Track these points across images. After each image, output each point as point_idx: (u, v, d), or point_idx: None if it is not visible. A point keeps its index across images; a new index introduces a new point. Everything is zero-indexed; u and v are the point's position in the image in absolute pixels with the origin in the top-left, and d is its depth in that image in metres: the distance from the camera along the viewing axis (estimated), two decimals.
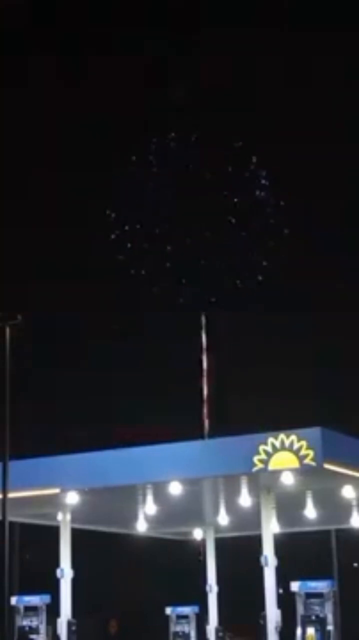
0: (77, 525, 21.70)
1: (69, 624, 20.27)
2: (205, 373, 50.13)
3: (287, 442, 15.94)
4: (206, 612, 25.93)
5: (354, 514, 23.67)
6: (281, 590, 19.05)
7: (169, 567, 42.34)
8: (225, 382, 54.19)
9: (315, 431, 15.96)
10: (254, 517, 19.17)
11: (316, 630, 22.46)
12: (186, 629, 26.96)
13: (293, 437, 15.94)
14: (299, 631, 22.60)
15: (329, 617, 22.60)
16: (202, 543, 26.86)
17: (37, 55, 50.49)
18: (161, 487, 18.06)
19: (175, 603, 27.54)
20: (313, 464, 15.77)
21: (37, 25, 50.44)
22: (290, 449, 15.91)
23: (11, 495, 16.09)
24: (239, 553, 28.33)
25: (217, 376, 53.25)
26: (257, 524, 18.61)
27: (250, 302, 46.79)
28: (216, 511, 22.74)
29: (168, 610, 27.34)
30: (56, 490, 18.30)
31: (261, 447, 16.10)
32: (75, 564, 20.76)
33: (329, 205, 47.45)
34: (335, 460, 16.27)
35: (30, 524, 25.03)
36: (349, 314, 52.04)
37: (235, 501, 19.65)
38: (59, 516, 20.82)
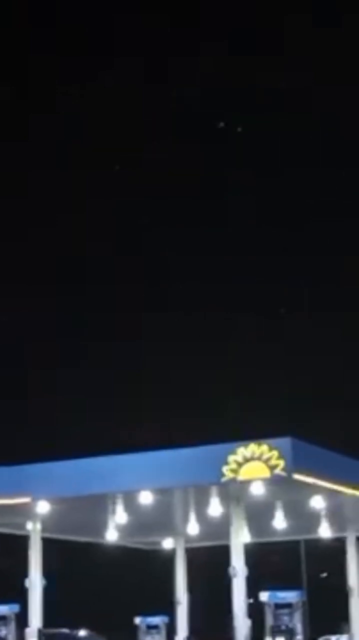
0: (47, 535, 21.65)
1: (39, 633, 20.20)
2: None
3: (257, 452, 16.01)
4: (176, 622, 25.93)
5: (323, 524, 23.76)
6: (250, 600, 19.08)
7: (138, 576, 42.31)
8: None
9: (285, 441, 16.04)
10: (224, 527, 19.21)
11: None
12: (155, 639, 26.94)
13: (264, 447, 16.01)
14: None
15: (298, 627, 22.69)
16: (172, 553, 26.85)
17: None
18: (131, 497, 18.08)
19: (144, 613, 27.52)
20: (284, 474, 15.84)
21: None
22: (260, 458, 15.98)
23: None
24: (210, 563, 28.37)
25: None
26: (228, 533, 18.66)
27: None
28: (185, 521, 22.75)
29: (137, 620, 27.31)
30: (27, 500, 18.26)
31: (231, 457, 16.16)
32: (44, 574, 20.71)
33: None
34: (305, 470, 16.36)
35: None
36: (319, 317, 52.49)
37: (205, 511, 19.68)
38: (29, 525, 20.76)
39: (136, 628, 27.36)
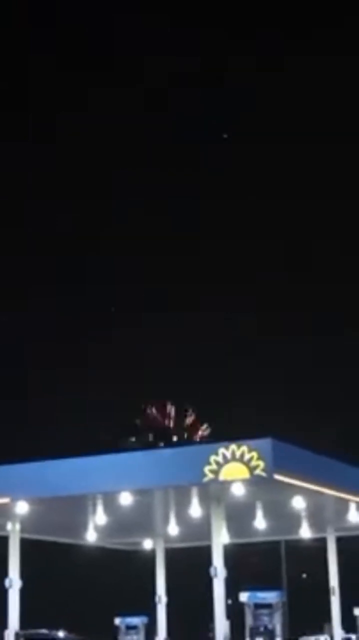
0: (26, 535, 21.53)
1: (17, 635, 20.07)
2: None
3: (238, 453, 15.95)
4: (155, 622, 25.86)
5: (304, 524, 23.75)
6: (229, 601, 19.03)
7: (118, 577, 42.19)
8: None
9: (266, 442, 15.99)
10: (204, 528, 19.15)
11: None
12: (135, 639, 26.86)
13: (244, 448, 15.96)
14: None
15: (278, 628, 22.64)
16: (152, 553, 26.80)
17: None
18: (111, 498, 17.99)
19: (124, 613, 27.45)
20: (264, 474, 15.79)
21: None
22: (241, 459, 15.92)
23: None
24: (189, 564, 28.35)
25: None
26: (208, 534, 18.59)
27: None
28: (166, 521, 22.69)
29: (117, 621, 27.23)
30: (6, 500, 18.15)
31: (212, 458, 16.10)
32: (24, 575, 20.58)
33: None
34: (285, 471, 16.31)
35: None
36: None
37: (185, 512, 19.63)
38: (9, 526, 20.63)
39: (115, 628, 27.27)
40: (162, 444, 62.84)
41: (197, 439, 67.08)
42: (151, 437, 66.44)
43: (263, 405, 48.66)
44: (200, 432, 69.72)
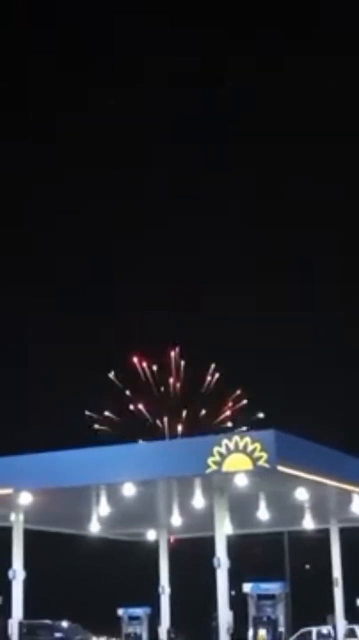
0: (29, 526, 21.56)
1: (21, 625, 20.11)
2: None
3: (241, 444, 15.96)
4: (158, 613, 25.89)
5: (307, 516, 23.76)
6: (233, 592, 19.06)
7: (121, 568, 42.27)
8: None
9: (269, 433, 16.00)
10: (207, 519, 19.17)
11: (268, 632, 22.51)
12: (137, 630, 26.90)
13: (247, 439, 15.96)
14: (250, 632, 22.64)
15: (281, 619, 22.65)
16: (156, 544, 26.82)
17: None
18: (115, 489, 18.00)
19: (127, 604, 27.49)
20: (267, 466, 15.79)
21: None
22: (244, 450, 15.92)
23: None
24: (192, 554, 28.39)
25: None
26: (211, 525, 18.62)
27: None
28: (169, 512, 22.71)
29: (120, 612, 27.27)
30: (9, 491, 18.17)
31: (215, 449, 16.11)
32: (27, 566, 20.61)
33: None
34: (289, 462, 16.31)
35: None
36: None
37: (188, 502, 19.64)
38: (12, 516, 20.65)
39: (118, 619, 27.31)
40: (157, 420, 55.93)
41: (228, 413, 54.48)
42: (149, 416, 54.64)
43: (263, 406, 48.87)
44: (231, 404, 54.23)
